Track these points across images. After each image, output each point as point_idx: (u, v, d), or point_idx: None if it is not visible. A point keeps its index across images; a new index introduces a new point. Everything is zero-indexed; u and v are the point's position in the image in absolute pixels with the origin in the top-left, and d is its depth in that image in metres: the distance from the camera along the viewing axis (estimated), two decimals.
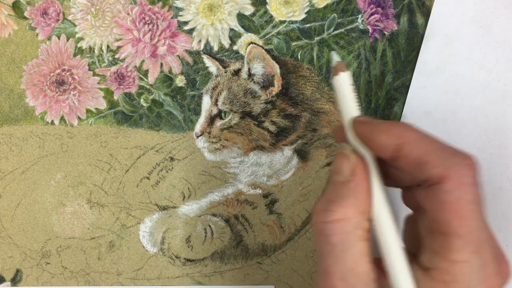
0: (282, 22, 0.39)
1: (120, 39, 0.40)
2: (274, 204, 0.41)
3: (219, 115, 0.40)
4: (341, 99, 0.29)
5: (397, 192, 0.33)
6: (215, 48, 0.40)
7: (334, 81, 0.29)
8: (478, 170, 0.25)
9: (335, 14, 0.39)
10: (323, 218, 0.27)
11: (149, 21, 0.39)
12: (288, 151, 0.41)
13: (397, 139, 0.27)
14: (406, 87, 0.40)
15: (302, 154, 0.41)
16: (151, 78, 0.40)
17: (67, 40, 0.39)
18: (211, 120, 0.40)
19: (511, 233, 0.41)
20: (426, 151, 0.26)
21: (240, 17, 0.39)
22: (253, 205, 0.41)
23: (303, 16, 0.39)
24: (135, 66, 0.40)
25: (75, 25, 0.39)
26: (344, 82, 0.29)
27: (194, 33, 0.40)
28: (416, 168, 0.26)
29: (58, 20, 0.39)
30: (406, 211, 0.33)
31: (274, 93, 0.39)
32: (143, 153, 0.41)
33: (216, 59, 0.40)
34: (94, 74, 0.40)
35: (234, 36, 0.40)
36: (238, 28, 0.39)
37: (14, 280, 0.42)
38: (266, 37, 0.40)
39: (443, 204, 0.25)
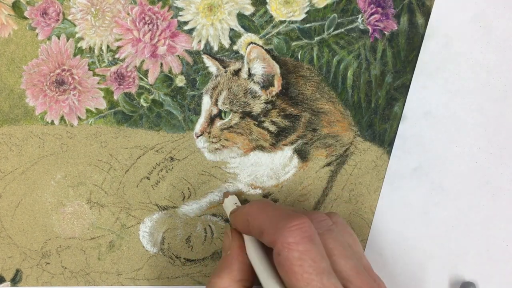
0: (282, 22, 0.39)
1: (120, 39, 0.40)
2: None
3: (219, 115, 0.40)
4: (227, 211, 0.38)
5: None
6: (215, 48, 0.40)
7: (224, 203, 0.39)
8: (307, 229, 0.29)
9: (335, 14, 0.39)
10: None
11: (149, 21, 0.39)
12: (288, 151, 0.41)
13: (245, 217, 0.32)
14: (406, 87, 0.40)
15: (302, 154, 0.41)
16: (151, 78, 0.40)
17: (67, 40, 0.39)
18: (211, 120, 0.40)
19: (511, 233, 0.42)
20: (263, 222, 0.30)
21: (240, 17, 0.39)
22: None
23: (303, 16, 0.39)
24: (135, 66, 0.40)
25: (75, 25, 0.39)
26: (229, 202, 0.39)
27: (194, 33, 0.40)
28: (260, 237, 0.31)
29: (58, 20, 0.39)
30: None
31: (274, 93, 0.39)
32: (143, 153, 0.41)
33: (216, 59, 0.40)
34: (94, 74, 0.40)
35: (234, 36, 0.40)
36: (238, 28, 0.39)
37: (14, 280, 0.42)
38: (266, 37, 0.40)
39: (278, 265, 0.28)
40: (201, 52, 0.40)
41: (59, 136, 0.41)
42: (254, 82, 0.39)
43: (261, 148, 0.40)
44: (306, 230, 0.29)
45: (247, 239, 0.34)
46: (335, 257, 0.30)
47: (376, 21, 0.40)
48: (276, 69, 0.39)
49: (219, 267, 0.33)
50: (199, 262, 0.42)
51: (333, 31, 0.40)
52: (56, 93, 0.40)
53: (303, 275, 0.27)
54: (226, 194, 0.40)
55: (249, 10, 0.39)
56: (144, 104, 0.40)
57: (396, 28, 0.40)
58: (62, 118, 0.40)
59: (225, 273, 0.32)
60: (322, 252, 0.29)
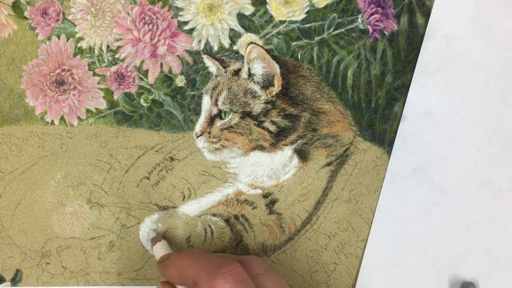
0: (282, 22, 0.39)
1: (120, 39, 0.40)
2: (274, 204, 0.41)
3: (219, 115, 0.40)
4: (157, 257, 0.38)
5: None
6: (215, 48, 0.40)
7: (153, 249, 0.39)
8: (239, 274, 0.31)
9: (335, 14, 0.39)
10: None
11: (149, 21, 0.39)
12: (288, 151, 0.41)
13: (177, 269, 0.34)
14: (406, 87, 0.40)
15: (302, 154, 0.41)
16: (151, 78, 0.40)
17: (67, 40, 0.39)
18: (211, 120, 0.40)
19: (511, 233, 0.42)
20: (196, 272, 0.32)
21: (240, 17, 0.39)
22: (253, 205, 0.41)
23: (303, 16, 0.39)
24: (135, 66, 0.40)
25: (75, 25, 0.39)
26: (160, 249, 0.38)
27: (194, 33, 0.40)
28: (193, 287, 0.32)
29: (58, 20, 0.39)
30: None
31: (274, 93, 0.39)
32: (143, 153, 0.41)
33: (216, 59, 0.40)
34: (94, 74, 0.40)
35: (234, 36, 0.40)
36: (238, 28, 0.39)
37: (14, 280, 0.42)
38: (266, 37, 0.40)
39: None
40: (201, 52, 0.40)
41: (59, 136, 0.41)
42: (254, 82, 0.39)
43: (261, 148, 0.40)
44: (238, 275, 0.31)
45: None
46: None
47: (376, 21, 0.40)
48: (276, 69, 0.39)
49: None
50: None
51: (333, 31, 0.40)
52: (56, 93, 0.40)
53: None
54: (155, 240, 0.39)
55: (249, 10, 0.39)
56: (144, 104, 0.40)
57: (396, 28, 0.40)
58: (62, 118, 0.40)
59: None
60: None
